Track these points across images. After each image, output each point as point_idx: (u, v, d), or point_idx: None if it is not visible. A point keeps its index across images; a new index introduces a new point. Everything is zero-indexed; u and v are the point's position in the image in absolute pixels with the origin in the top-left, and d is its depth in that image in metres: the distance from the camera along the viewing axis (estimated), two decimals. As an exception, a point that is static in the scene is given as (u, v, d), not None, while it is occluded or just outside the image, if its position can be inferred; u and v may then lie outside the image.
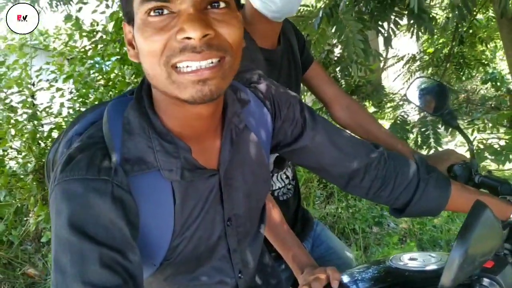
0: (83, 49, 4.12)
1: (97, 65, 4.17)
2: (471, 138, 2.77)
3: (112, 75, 4.13)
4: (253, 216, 0.94)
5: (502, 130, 2.88)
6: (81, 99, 4.09)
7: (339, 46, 2.81)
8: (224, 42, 0.67)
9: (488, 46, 4.31)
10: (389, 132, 1.57)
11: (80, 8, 3.78)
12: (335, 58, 2.99)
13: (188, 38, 0.63)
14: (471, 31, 3.55)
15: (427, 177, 0.99)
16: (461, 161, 1.28)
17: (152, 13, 0.64)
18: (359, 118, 1.49)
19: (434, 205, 1.00)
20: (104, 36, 4.01)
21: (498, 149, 2.67)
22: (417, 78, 1.43)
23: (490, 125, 2.63)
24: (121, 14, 3.66)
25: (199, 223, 0.81)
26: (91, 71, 4.15)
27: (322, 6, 2.52)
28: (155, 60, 0.66)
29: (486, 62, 3.89)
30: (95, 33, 4.03)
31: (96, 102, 3.86)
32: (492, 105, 3.32)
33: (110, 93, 4.02)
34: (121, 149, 0.73)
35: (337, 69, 2.92)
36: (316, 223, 1.66)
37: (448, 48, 3.51)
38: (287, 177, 1.51)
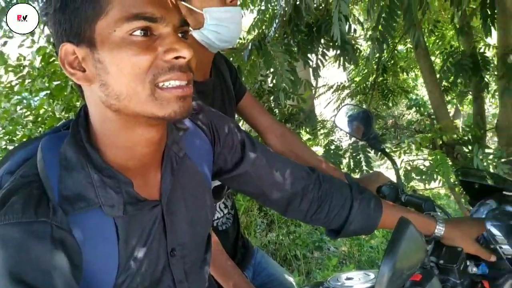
0: (9, 85, 3.95)
1: (24, 101, 4.01)
2: (400, 160, 2.96)
3: (41, 111, 3.97)
4: (199, 244, 0.94)
5: (426, 151, 3.08)
6: (8, 137, 3.89)
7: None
8: (193, 65, 0.73)
9: (409, 74, 4.64)
10: (322, 158, 1.63)
11: (5, 43, 3.65)
12: (268, 88, 3.08)
13: (177, 58, 0.68)
14: (393, 61, 3.82)
15: (360, 197, 1.04)
16: (388, 182, 1.35)
17: (135, 33, 0.66)
18: (293, 145, 1.54)
19: (368, 224, 1.05)
20: (31, 71, 3.88)
21: (424, 169, 2.85)
22: (344, 105, 1.51)
23: (415, 147, 2.80)
24: (48, 50, 3.56)
25: (144, 256, 0.80)
26: (18, 107, 3.97)
27: (252, 38, 2.61)
28: (139, 78, 0.67)
29: (408, 90, 4.15)
30: (21, 67, 3.88)
31: (25, 139, 3.68)
32: (416, 129, 3.54)
33: (40, 129, 3.86)
34: (59, 187, 0.70)
35: (271, 98, 3.01)
36: (256, 251, 1.67)
37: (373, 77, 3.73)
38: (226, 206, 1.52)
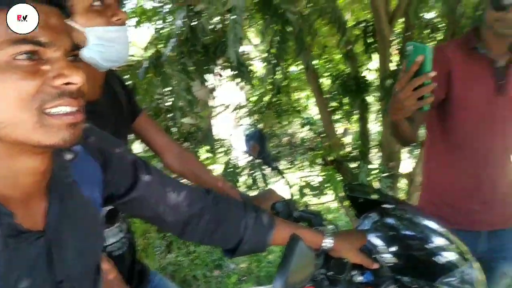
0: None
1: None
2: (294, 177, 3.10)
3: None
4: (89, 274, 0.89)
5: (319, 168, 3.27)
6: None
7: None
8: (85, 90, 0.69)
9: (302, 94, 4.90)
10: (218, 176, 1.65)
11: None
12: (166, 107, 3.05)
13: (67, 84, 0.64)
14: (286, 82, 4.01)
15: (254, 216, 1.07)
16: (281, 199, 1.41)
17: (20, 57, 0.62)
18: (190, 165, 1.54)
19: (261, 241, 1.08)
20: None
21: (316, 185, 3.02)
22: (241, 126, 1.55)
23: (308, 164, 2.95)
24: None
25: None
26: None
27: (148, 56, 2.58)
28: (25, 104, 0.62)
29: (300, 109, 4.38)
30: None
31: None
32: (309, 147, 3.74)
33: None
34: None
35: (168, 117, 2.99)
36: (154, 274, 1.62)
37: (268, 97, 3.89)
38: (121, 230, 1.46)
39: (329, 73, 3.71)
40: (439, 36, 2.83)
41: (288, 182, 1.40)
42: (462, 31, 2.52)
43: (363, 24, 2.79)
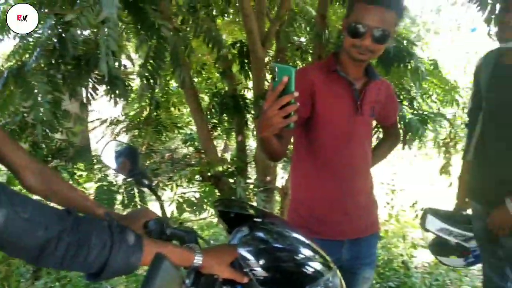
0: None
1: None
2: (173, 193, 3.06)
3: None
4: None
5: (197, 183, 3.27)
6: None
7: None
8: None
9: (183, 110, 4.88)
10: (84, 195, 1.56)
11: None
12: (32, 121, 2.82)
13: None
14: (165, 97, 3.96)
15: (120, 237, 1.03)
16: (154, 217, 1.38)
17: None
18: (53, 183, 1.43)
19: (128, 263, 1.04)
20: None
21: (195, 201, 3.02)
22: (111, 141, 1.49)
23: (186, 180, 2.94)
24: None
25: None
26: None
27: (9, 66, 2.37)
28: None
29: (181, 125, 4.36)
30: None
31: None
32: (188, 163, 3.73)
33: None
34: None
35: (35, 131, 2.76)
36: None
37: (147, 113, 3.80)
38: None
39: (208, 90, 3.77)
40: (309, 57, 3.04)
41: (161, 199, 1.37)
42: (328, 54, 2.76)
43: (239, 45, 2.89)
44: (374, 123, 1.82)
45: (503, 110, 1.82)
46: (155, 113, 3.82)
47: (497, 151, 1.83)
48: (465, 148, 2.10)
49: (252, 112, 3.15)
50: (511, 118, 1.78)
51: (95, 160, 3.78)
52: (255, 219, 1.33)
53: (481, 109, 1.94)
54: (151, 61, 2.12)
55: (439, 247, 2.24)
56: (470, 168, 2.03)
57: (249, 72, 2.82)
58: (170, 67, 2.59)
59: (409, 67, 2.67)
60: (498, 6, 1.97)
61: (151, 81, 2.11)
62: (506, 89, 1.81)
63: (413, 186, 5.56)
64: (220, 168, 2.99)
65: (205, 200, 2.83)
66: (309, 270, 1.24)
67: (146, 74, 2.10)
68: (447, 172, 3.80)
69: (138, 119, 3.98)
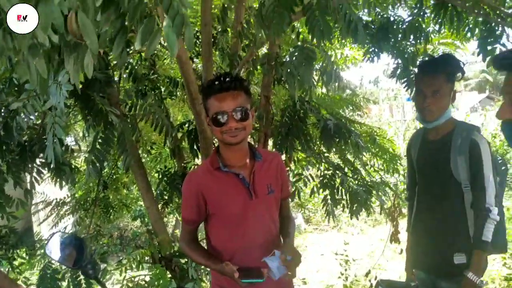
0: None
1: None
2: (122, 277, 2.94)
3: None
4: None
5: (147, 266, 3.16)
6: None
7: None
8: None
9: (132, 187, 4.81)
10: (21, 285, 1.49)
11: None
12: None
13: None
14: (114, 177, 3.92)
15: None
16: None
17: None
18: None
19: None
20: None
21: (145, 285, 2.91)
22: (55, 233, 1.46)
23: (135, 264, 2.85)
24: None
25: None
26: None
27: None
28: None
29: (129, 204, 4.29)
30: None
31: None
32: (137, 245, 3.63)
33: None
34: None
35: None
36: None
37: (95, 193, 3.72)
38: None
39: (157, 170, 3.77)
40: (255, 135, 3.14)
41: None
42: (272, 132, 2.90)
43: (187, 125, 2.97)
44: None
45: (432, 182, 1.98)
46: (102, 194, 3.76)
47: (432, 221, 1.97)
48: (407, 220, 2.21)
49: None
50: (440, 189, 1.94)
51: (37, 245, 3.60)
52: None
53: (416, 183, 2.09)
54: (98, 147, 2.13)
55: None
56: (411, 239, 2.13)
57: (198, 151, 2.87)
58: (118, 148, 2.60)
59: (349, 142, 2.83)
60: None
61: (98, 165, 2.11)
62: (432, 163, 1.98)
63: (366, 253, 5.64)
64: (171, 249, 2.93)
65: (156, 283, 2.74)
66: None
67: (93, 158, 2.10)
68: (396, 240, 3.91)
69: (85, 200, 3.89)
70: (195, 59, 3.37)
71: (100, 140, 2.09)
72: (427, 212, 2.01)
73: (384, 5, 2.67)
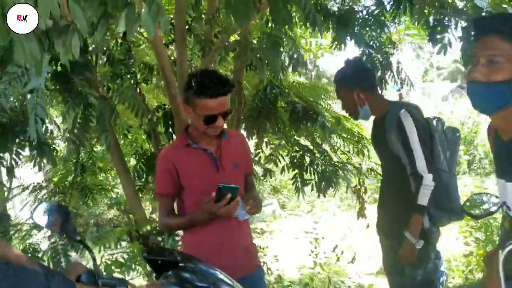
0: None
1: None
2: (100, 255, 3.05)
3: None
4: None
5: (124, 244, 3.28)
6: None
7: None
8: None
9: (109, 173, 4.88)
10: (16, 250, 1.61)
11: None
12: None
13: None
14: (91, 161, 3.99)
15: (56, 285, 1.13)
16: (87, 270, 1.47)
17: None
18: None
19: None
20: None
21: (123, 261, 3.03)
22: (41, 203, 1.58)
23: (113, 241, 2.97)
24: None
25: None
26: None
27: None
28: None
29: (108, 188, 4.37)
30: None
31: None
32: (114, 225, 3.74)
33: None
34: None
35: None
36: None
37: (72, 177, 3.79)
38: None
39: (134, 152, 3.87)
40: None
41: (92, 252, 1.48)
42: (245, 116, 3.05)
43: (163, 108, 3.09)
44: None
45: (382, 159, 2.35)
46: (80, 178, 3.82)
47: (388, 193, 2.29)
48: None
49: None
50: (389, 165, 2.27)
51: (13, 231, 3.64)
52: (181, 264, 1.48)
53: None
54: (77, 126, 2.24)
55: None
56: (378, 212, 2.38)
57: (173, 134, 3.01)
58: (96, 132, 2.71)
59: (317, 124, 3.01)
60: None
61: (78, 143, 2.22)
62: (376, 142, 2.32)
63: (337, 234, 5.86)
64: (148, 227, 3.06)
65: (134, 260, 2.86)
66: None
67: (73, 139, 2.21)
68: (363, 215, 4.18)
69: (63, 184, 3.95)
70: (170, 46, 3.48)
71: (79, 120, 2.20)
72: (384, 185, 2.36)
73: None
